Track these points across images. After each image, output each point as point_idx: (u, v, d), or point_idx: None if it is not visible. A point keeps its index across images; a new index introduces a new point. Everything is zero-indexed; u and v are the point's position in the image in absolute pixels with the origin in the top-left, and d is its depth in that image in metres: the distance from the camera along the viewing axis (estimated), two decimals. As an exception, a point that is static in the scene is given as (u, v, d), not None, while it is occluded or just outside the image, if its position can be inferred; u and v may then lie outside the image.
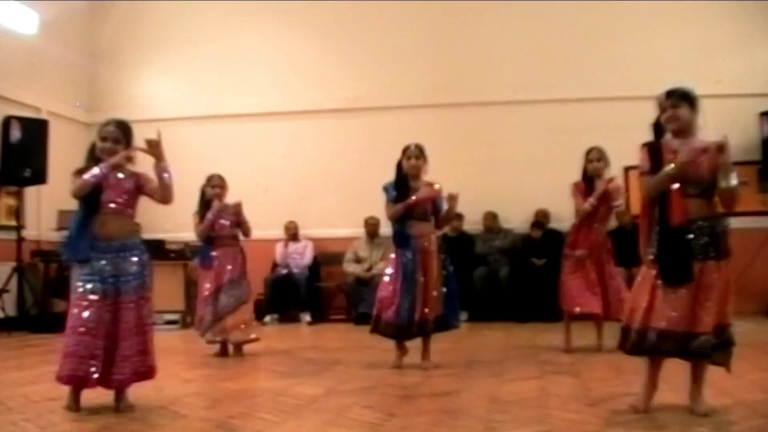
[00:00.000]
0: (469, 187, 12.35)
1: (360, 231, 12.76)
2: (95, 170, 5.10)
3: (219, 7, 13.50)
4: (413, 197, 6.90)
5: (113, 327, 5.04)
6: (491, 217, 12.54)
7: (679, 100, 4.77)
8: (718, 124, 11.79)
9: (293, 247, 12.83)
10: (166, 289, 11.31)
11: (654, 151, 4.77)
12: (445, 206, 7.08)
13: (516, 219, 12.55)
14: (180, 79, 13.86)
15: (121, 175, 5.24)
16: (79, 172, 5.20)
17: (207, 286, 8.15)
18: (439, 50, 13.15)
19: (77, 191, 5.11)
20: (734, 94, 11.98)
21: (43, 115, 12.27)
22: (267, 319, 12.21)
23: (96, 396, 5.17)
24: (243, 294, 8.24)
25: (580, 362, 7.05)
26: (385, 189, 7.11)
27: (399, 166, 7.11)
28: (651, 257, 4.74)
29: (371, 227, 12.64)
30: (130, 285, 5.12)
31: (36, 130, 11.32)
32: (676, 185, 4.61)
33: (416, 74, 13.11)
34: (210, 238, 8.23)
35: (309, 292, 12.48)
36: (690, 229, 4.61)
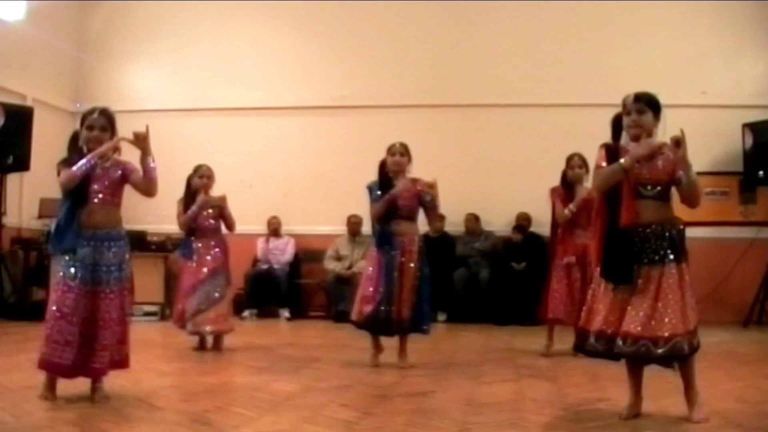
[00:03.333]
0: (451, 189, 12.35)
1: (342, 229, 12.76)
2: (83, 162, 5.07)
3: (209, 2, 13.47)
4: (393, 190, 6.90)
5: (92, 316, 5.03)
6: (473, 219, 12.55)
7: (646, 106, 4.76)
8: (702, 134, 11.94)
9: (275, 243, 12.81)
10: (146, 281, 11.26)
11: (612, 151, 4.75)
12: (427, 197, 7.03)
13: (498, 222, 12.57)
14: (167, 71, 13.82)
15: (107, 164, 5.21)
16: (64, 162, 5.18)
17: (188, 279, 8.12)
18: (427, 52, 13.15)
19: (66, 183, 5.08)
20: (718, 105, 12.05)
21: (29, 103, 12.22)
22: (246, 314, 12.19)
23: (72, 386, 5.17)
24: (223, 286, 8.20)
25: (557, 367, 7.08)
26: (369, 188, 7.12)
27: (382, 164, 7.12)
28: None
29: (353, 225, 12.65)
30: (113, 275, 5.11)
31: (20, 117, 11.25)
32: (627, 186, 4.61)
33: (403, 75, 13.10)
34: (192, 230, 8.21)
35: (289, 288, 12.46)
36: (641, 232, 4.61)
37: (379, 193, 6.99)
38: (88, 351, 5.01)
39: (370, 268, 7.01)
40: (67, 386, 5.15)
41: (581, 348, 4.80)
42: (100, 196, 5.16)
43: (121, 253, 5.20)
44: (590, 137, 12.22)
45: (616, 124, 4.92)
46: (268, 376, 6.43)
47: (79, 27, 13.93)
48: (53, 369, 5.02)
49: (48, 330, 4.98)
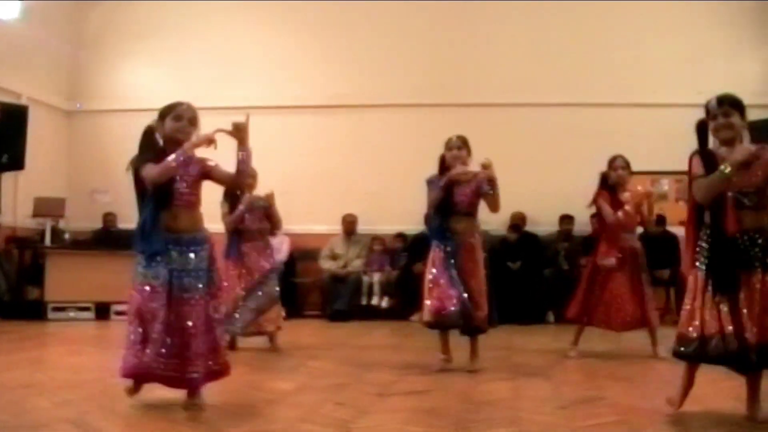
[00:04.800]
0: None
1: (337, 228, 12.77)
2: (178, 153, 4.85)
3: (207, 0, 13.45)
4: (449, 173, 6.68)
5: (179, 324, 4.80)
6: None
7: (731, 107, 4.64)
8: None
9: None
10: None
11: (708, 157, 4.61)
12: (485, 186, 6.70)
13: (493, 221, 12.51)
14: (165, 70, 13.77)
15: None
16: (142, 159, 4.95)
17: (232, 284, 7.93)
18: (425, 51, 13.15)
19: (160, 176, 4.81)
20: (715, 105, 12.07)
21: (24, 101, 12.19)
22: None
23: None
24: (273, 290, 8.14)
25: (554, 365, 7.09)
26: (429, 182, 6.90)
27: (442, 159, 6.89)
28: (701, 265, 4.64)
29: (348, 224, 12.66)
30: (200, 281, 4.90)
31: (15, 115, 11.23)
32: (730, 194, 4.51)
33: (402, 74, 13.10)
34: (238, 231, 8.08)
35: (284, 287, 12.41)
36: (742, 239, 4.51)
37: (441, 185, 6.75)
38: (181, 361, 4.79)
39: (434, 270, 6.78)
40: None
41: (691, 354, 4.64)
42: (184, 196, 4.94)
43: (206, 256, 4.98)
44: (588, 135, 12.38)
45: (701, 130, 4.78)
46: (265, 374, 6.44)
47: (75, 25, 13.90)
48: (135, 371, 4.89)
49: (130, 335, 4.85)
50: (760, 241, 4.50)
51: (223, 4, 13.43)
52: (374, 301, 12.21)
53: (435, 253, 6.79)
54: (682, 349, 4.63)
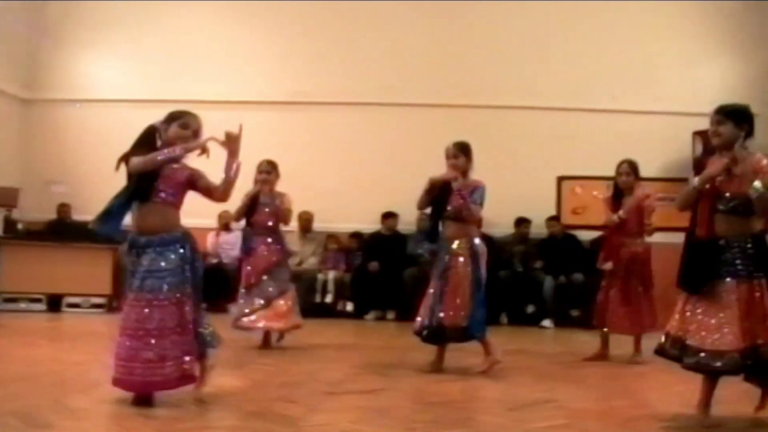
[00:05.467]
0: (405, 188, 12.39)
1: (293, 225, 12.72)
2: (168, 150, 4.93)
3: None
4: (432, 176, 6.73)
5: (150, 326, 4.79)
6: (425, 219, 12.56)
7: (724, 117, 4.80)
8: (654, 139, 12.07)
9: (225, 237, 12.74)
10: (94, 272, 11.21)
11: (699, 166, 4.92)
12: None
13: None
14: (124, 62, 13.60)
15: (175, 166, 5.03)
16: (133, 154, 4.97)
17: (246, 277, 8.06)
18: (386, 50, 13.10)
19: (143, 166, 4.87)
20: (671, 112, 12.16)
21: (-22, 89, 12.06)
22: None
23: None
24: (283, 283, 8.09)
25: (507, 367, 7.09)
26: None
27: None
28: None
29: (305, 222, 12.62)
30: (166, 281, 4.85)
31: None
32: (707, 200, 4.73)
33: (362, 73, 13.05)
34: (251, 224, 8.10)
35: (238, 283, 12.38)
36: (716, 245, 4.68)
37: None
38: (145, 364, 4.77)
39: (431, 274, 6.80)
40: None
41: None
42: (162, 195, 4.95)
43: (177, 257, 4.93)
44: (542, 140, 12.46)
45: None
46: (216, 371, 6.39)
47: (34, 13, 13.69)
48: (123, 387, 4.86)
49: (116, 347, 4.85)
50: (735, 248, 4.66)
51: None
52: (328, 299, 12.18)
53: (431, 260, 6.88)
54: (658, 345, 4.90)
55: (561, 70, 12.54)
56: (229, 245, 12.59)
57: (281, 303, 8.01)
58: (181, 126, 5.06)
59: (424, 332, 6.62)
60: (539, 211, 12.43)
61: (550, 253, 11.99)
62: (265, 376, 6.18)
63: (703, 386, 4.66)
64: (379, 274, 11.90)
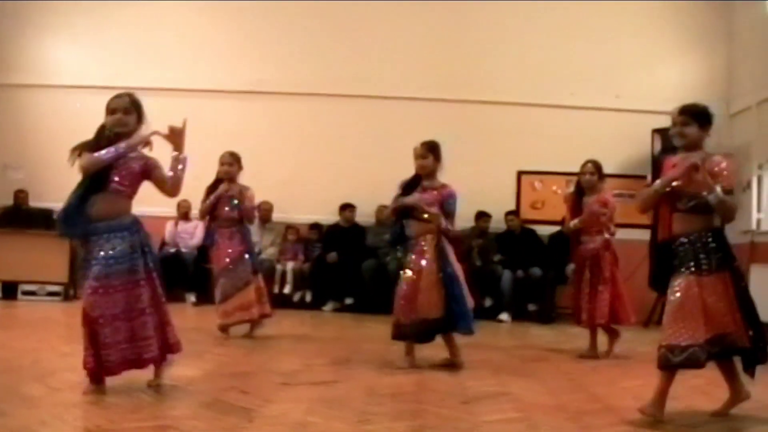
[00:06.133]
0: (361, 179, 12.45)
1: (251, 214, 12.68)
2: (112, 149, 4.88)
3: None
4: (403, 200, 6.65)
5: (122, 309, 4.86)
6: (383, 211, 12.59)
7: (690, 117, 4.83)
8: (613, 136, 12.16)
9: (183, 226, 12.69)
10: (51, 260, 11.11)
11: (657, 164, 4.91)
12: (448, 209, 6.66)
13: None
14: (84, 47, 13.47)
15: (132, 155, 5.02)
16: (84, 147, 4.95)
17: (214, 269, 8.20)
18: (343, 40, 13.09)
19: (90, 166, 4.85)
20: (631, 110, 12.28)
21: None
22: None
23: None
24: (245, 275, 8.09)
25: (463, 361, 7.12)
26: (401, 185, 6.81)
27: None
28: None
29: (264, 212, 12.59)
30: (124, 266, 4.89)
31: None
32: (667, 202, 4.79)
33: (322, 62, 13.04)
34: (214, 218, 8.14)
35: (196, 272, 12.33)
36: (675, 244, 4.75)
37: (399, 192, 6.72)
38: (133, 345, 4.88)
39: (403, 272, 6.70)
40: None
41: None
42: (116, 186, 4.94)
43: (129, 241, 4.96)
44: (503, 135, 12.51)
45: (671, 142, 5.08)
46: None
47: (-8, -3, 13.57)
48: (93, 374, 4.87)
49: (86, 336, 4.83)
50: (698, 245, 4.71)
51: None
52: (287, 290, 12.17)
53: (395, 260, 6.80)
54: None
55: (521, 66, 12.63)
56: (187, 234, 12.57)
57: (245, 295, 8.03)
58: (110, 113, 5.02)
59: (405, 331, 6.57)
60: (498, 205, 12.48)
61: (509, 247, 12.06)
62: (219, 366, 6.17)
63: (660, 382, 4.68)
64: (338, 265, 11.90)
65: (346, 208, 12.43)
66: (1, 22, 13.42)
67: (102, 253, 4.86)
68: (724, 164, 4.69)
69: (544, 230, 11.99)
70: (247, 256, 8.19)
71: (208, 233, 8.28)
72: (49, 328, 7.68)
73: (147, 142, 5.05)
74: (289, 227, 12.78)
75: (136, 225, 5.08)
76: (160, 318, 5.11)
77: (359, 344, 8.10)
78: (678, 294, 4.64)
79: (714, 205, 4.60)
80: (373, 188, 11.95)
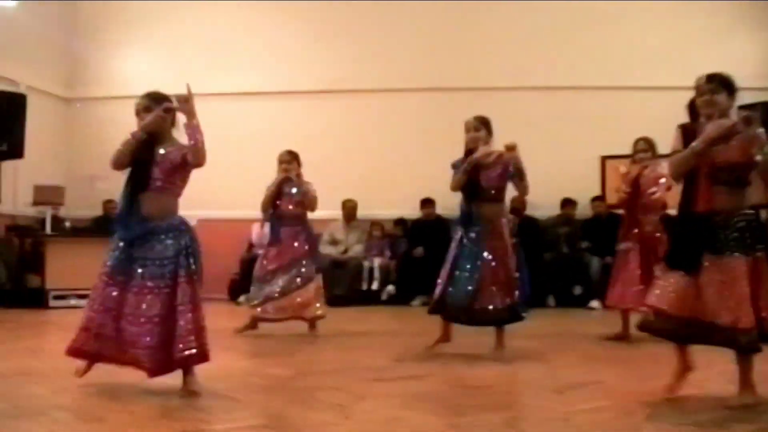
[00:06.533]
0: (444, 173, 12.39)
1: (337, 213, 12.77)
2: (128, 137, 4.96)
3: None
4: (472, 156, 6.56)
5: (133, 311, 4.85)
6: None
7: (719, 85, 4.71)
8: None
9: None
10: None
11: (688, 132, 4.65)
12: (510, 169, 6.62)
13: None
14: (160, 56, 13.76)
15: (162, 151, 5.02)
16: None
17: (268, 263, 8.13)
18: (422, 34, 13.14)
19: (115, 162, 4.94)
20: (711, 87, 12.05)
21: (22, 89, 12.16)
22: (241, 299, 12.18)
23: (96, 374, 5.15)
24: (308, 272, 8.14)
25: (550, 349, 7.09)
26: (453, 166, 6.78)
27: (466, 143, 6.78)
28: None
29: (349, 210, 12.67)
30: (163, 269, 4.88)
31: (13, 103, 11.21)
32: (706, 170, 4.50)
33: (398, 58, 13.09)
34: (277, 215, 8.20)
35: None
36: (715, 220, 4.50)
37: (460, 164, 6.66)
38: (126, 348, 4.88)
39: (450, 257, 6.67)
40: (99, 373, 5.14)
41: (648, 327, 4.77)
42: (159, 183, 4.97)
43: (174, 245, 4.92)
44: (584, 120, 12.39)
45: (692, 109, 4.81)
46: (262, 360, 6.46)
47: (71, 12, 13.88)
48: (78, 355, 5.00)
49: (83, 320, 4.95)
50: (740, 223, 4.49)
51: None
52: (374, 286, 12.22)
53: (456, 239, 6.69)
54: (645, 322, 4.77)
55: (601, 50, 12.49)
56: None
57: (304, 293, 8.07)
58: (136, 116, 5.11)
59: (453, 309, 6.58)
60: (583, 191, 12.36)
61: (596, 233, 11.93)
62: (310, 364, 6.23)
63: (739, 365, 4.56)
64: (424, 259, 11.89)
65: (426, 203, 12.43)
66: (80, 40, 13.74)
67: (152, 253, 4.89)
68: (761, 131, 4.51)
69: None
70: (308, 255, 8.21)
71: (272, 229, 8.25)
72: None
73: (162, 117, 5.02)
74: (374, 224, 12.82)
75: (184, 225, 5.05)
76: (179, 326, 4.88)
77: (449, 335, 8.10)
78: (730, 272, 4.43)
79: (763, 163, 4.44)
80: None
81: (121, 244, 4.95)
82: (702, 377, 4.97)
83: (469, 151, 6.67)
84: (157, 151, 5.00)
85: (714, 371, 5.45)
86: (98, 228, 12.38)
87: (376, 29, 13.21)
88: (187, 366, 4.90)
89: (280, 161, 8.22)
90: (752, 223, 4.53)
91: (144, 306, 4.83)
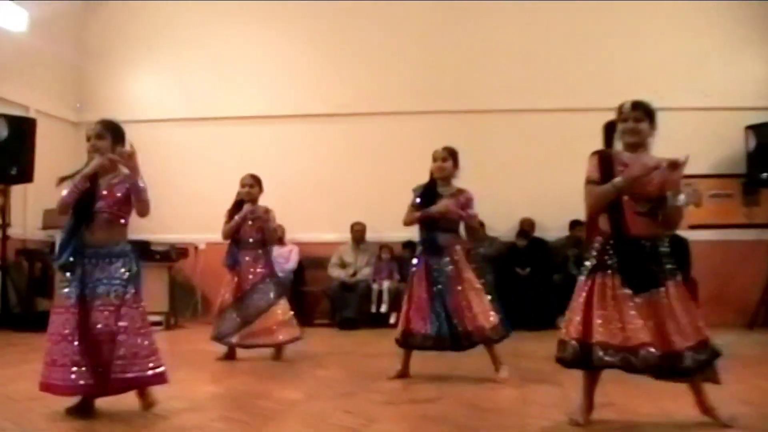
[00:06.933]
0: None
1: (346, 236, 12.77)
2: (71, 186, 5.04)
3: (209, 9, 13.49)
4: (430, 209, 6.69)
5: (93, 331, 4.90)
6: (477, 225, 12.55)
7: (644, 114, 4.71)
8: (704, 136, 11.94)
9: (279, 250, 12.78)
10: (151, 290, 11.28)
11: (606, 160, 4.69)
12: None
13: (502, 227, 12.54)
14: (169, 80, 13.84)
15: (114, 181, 5.12)
16: (63, 179, 5.17)
17: (229, 293, 8.09)
18: (428, 58, 13.16)
19: (60, 210, 5.07)
20: (721, 107, 12.05)
21: (31, 114, 12.24)
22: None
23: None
24: (269, 297, 8.12)
25: (562, 371, 7.01)
26: (413, 190, 6.92)
27: (431, 171, 6.90)
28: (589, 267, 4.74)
29: (357, 233, 12.66)
30: (113, 289, 4.99)
31: (23, 128, 11.29)
32: (626, 198, 4.57)
33: (404, 81, 13.11)
34: (237, 241, 8.16)
35: (293, 296, 12.43)
36: (644, 245, 4.57)
37: (418, 200, 6.80)
38: (98, 369, 4.86)
39: (423, 284, 6.68)
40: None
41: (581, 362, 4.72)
42: (105, 215, 5.07)
43: (122, 269, 5.05)
44: (594, 139, 12.27)
45: (609, 131, 4.87)
46: (273, 383, 6.44)
47: (80, 37, 13.95)
48: (53, 391, 4.96)
49: (46, 352, 4.97)
50: (662, 248, 4.61)
51: (226, 14, 13.47)
52: (383, 309, 12.19)
53: (417, 268, 6.77)
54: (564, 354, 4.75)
55: (607, 70, 12.46)
56: (283, 259, 12.67)
57: (272, 317, 8.06)
58: (86, 139, 5.22)
59: (428, 341, 6.59)
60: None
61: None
62: (319, 388, 6.20)
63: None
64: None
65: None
66: (89, 65, 13.81)
67: (105, 274, 4.99)
68: (678, 172, 4.53)
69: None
70: (268, 279, 8.19)
71: (231, 254, 8.19)
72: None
73: (103, 166, 5.10)
74: (383, 246, 12.80)
75: (131, 254, 5.17)
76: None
77: (458, 360, 8.04)
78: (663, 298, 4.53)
79: (676, 207, 4.51)
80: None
81: (68, 274, 5.01)
82: (712, 398, 4.95)
83: (432, 181, 6.87)
84: (100, 185, 5.12)
85: (725, 392, 5.42)
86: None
87: (384, 53, 13.24)
88: (157, 384, 5.11)
89: (243, 184, 8.22)
90: (668, 250, 4.64)
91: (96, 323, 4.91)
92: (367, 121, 13.08)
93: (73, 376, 4.82)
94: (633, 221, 4.57)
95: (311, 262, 13.12)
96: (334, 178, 12.98)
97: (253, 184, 8.23)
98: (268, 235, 8.31)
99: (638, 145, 4.71)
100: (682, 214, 4.61)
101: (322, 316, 12.91)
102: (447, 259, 6.66)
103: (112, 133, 5.22)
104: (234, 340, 8.00)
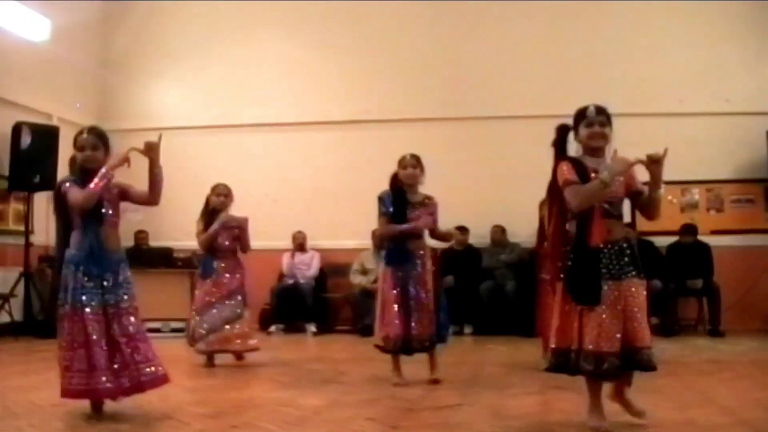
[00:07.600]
0: (476, 201, 12.39)
1: (367, 242, 12.76)
2: (97, 178, 5.08)
3: (232, 18, 13.57)
4: (411, 225, 6.86)
5: (110, 338, 5.07)
6: (499, 231, 12.54)
7: (606, 119, 4.81)
8: (726, 141, 11.90)
9: (300, 257, 12.84)
10: (174, 297, 11.35)
11: (578, 165, 4.70)
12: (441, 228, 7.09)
13: (523, 233, 12.50)
14: (191, 88, 13.90)
15: (111, 183, 5.25)
16: (67, 181, 5.22)
17: (203, 297, 8.20)
18: (449, 64, 13.18)
19: (86, 202, 5.07)
20: (742, 113, 12.01)
21: (54, 122, 12.33)
22: (272, 329, 12.23)
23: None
24: (240, 306, 8.24)
25: (584, 378, 7.02)
26: (380, 199, 7.05)
27: (394, 177, 7.04)
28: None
29: (378, 240, 12.66)
30: (124, 296, 5.23)
31: (46, 136, 11.37)
32: (597, 204, 4.60)
33: (427, 88, 13.14)
34: (213, 249, 8.24)
35: (315, 302, 12.48)
36: (607, 250, 4.59)
37: (391, 209, 6.94)
38: (123, 371, 5.05)
39: (392, 290, 6.86)
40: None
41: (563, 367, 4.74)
42: (110, 218, 5.26)
43: (128, 273, 5.34)
44: (620, 146, 12.22)
45: (564, 134, 4.96)
46: (295, 390, 6.44)
47: (103, 46, 14.05)
48: (88, 396, 5.10)
49: (67, 360, 5.08)
50: (628, 251, 4.62)
51: (248, 23, 13.55)
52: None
53: (387, 274, 6.92)
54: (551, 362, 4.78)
55: (627, 76, 12.44)
56: (304, 266, 12.72)
57: (244, 324, 8.26)
58: (79, 150, 5.26)
59: (400, 344, 6.79)
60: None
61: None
62: (342, 395, 6.20)
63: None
64: (455, 288, 11.85)
65: (460, 230, 12.40)
66: (112, 73, 13.89)
67: (120, 279, 5.24)
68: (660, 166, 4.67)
69: (662, 241, 11.75)
70: (239, 294, 8.30)
71: (206, 262, 8.30)
72: (174, 364, 7.77)
73: (126, 159, 5.23)
74: (404, 252, 12.78)
75: (125, 258, 5.41)
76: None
77: (481, 367, 8.08)
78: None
79: (652, 199, 4.66)
80: (487, 209, 11.98)
81: (86, 278, 5.13)
82: (735, 405, 4.93)
83: (400, 188, 7.03)
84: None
85: (748, 398, 5.41)
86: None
87: (406, 61, 13.28)
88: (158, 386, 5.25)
89: (218, 194, 8.27)
90: (635, 250, 4.68)
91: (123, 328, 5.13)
92: (388, 128, 13.09)
93: (104, 378, 4.94)
94: (599, 227, 4.59)
95: (332, 269, 13.15)
96: (355, 184, 12.97)
97: (227, 194, 8.30)
98: (245, 243, 8.38)
99: (601, 149, 4.77)
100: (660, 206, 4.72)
101: (344, 323, 12.94)
102: (416, 262, 6.86)
103: (104, 143, 5.35)
104: (211, 339, 8.11)
